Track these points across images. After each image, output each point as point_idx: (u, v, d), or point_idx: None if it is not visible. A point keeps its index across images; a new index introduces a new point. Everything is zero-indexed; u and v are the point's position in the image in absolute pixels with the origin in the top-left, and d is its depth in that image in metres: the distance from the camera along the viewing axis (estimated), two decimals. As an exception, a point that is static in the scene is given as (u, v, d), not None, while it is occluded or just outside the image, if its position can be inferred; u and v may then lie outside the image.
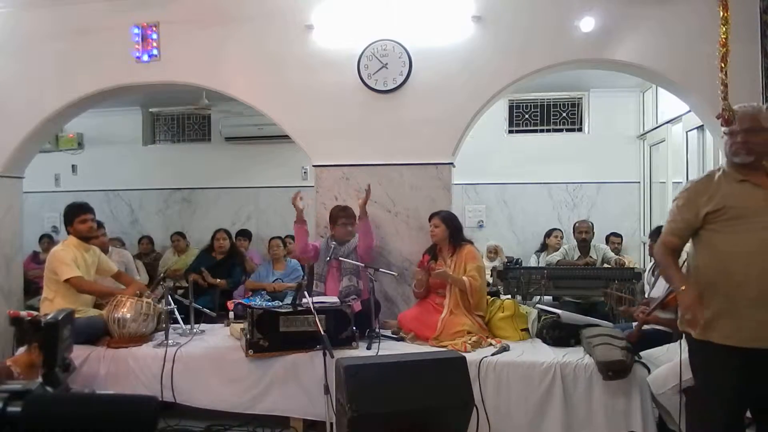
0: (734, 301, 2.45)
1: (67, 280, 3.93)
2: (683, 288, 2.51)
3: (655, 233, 4.12)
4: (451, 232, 4.15)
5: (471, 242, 4.26)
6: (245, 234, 6.86)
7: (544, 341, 3.88)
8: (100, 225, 5.03)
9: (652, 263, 4.15)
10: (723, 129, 2.63)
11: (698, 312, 2.45)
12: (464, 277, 3.98)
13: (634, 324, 3.88)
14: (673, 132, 5.94)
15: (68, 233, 4.19)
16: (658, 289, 3.81)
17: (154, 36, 4.80)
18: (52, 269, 4.00)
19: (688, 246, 2.70)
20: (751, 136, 2.52)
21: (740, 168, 2.56)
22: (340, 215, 4.39)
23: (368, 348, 3.76)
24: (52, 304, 3.90)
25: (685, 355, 3.08)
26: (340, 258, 4.29)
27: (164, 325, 3.96)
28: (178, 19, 4.79)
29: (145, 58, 4.81)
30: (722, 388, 2.49)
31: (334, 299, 4.01)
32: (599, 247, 6.07)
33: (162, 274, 4.85)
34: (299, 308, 3.70)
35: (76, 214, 4.15)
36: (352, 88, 4.61)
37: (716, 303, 2.48)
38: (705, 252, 2.57)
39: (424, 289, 4.15)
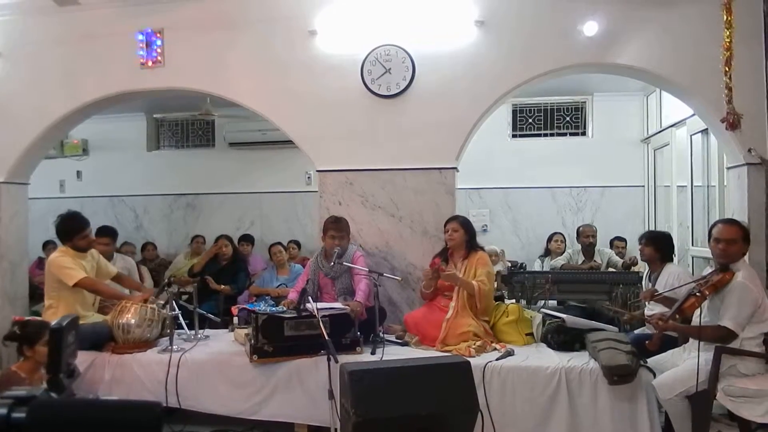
0: None
1: (76, 284, 3.91)
2: None
3: (644, 237, 4.08)
4: (469, 237, 4.16)
5: (483, 249, 4.27)
6: (248, 239, 6.86)
7: (549, 346, 3.87)
8: (113, 233, 5.03)
9: (647, 270, 4.12)
10: None
11: None
12: (473, 281, 3.99)
13: (644, 329, 3.85)
14: (678, 136, 5.93)
15: (62, 243, 4.12)
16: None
17: (159, 42, 4.82)
18: (54, 277, 3.97)
19: None
20: None
21: None
22: (330, 227, 4.27)
23: (372, 353, 3.74)
24: (56, 312, 3.89)
25: (702, 360, 3.06)
26: (330, 276, 4.25)
27: (169, 331, 3.97)
28: (183, 26, 4.81)
29: (150, 64, 4.83)
30: None
31: (339, 304, 4.00)
32: (604, 251, 6.06)
33: (167, 279, 4.85)
34: (303, 313, 3.70)
35: (76, 231, 4.05)
36: (355, 93, 4.62)
37: None
38: None
39: (431, 291, 4.15)
